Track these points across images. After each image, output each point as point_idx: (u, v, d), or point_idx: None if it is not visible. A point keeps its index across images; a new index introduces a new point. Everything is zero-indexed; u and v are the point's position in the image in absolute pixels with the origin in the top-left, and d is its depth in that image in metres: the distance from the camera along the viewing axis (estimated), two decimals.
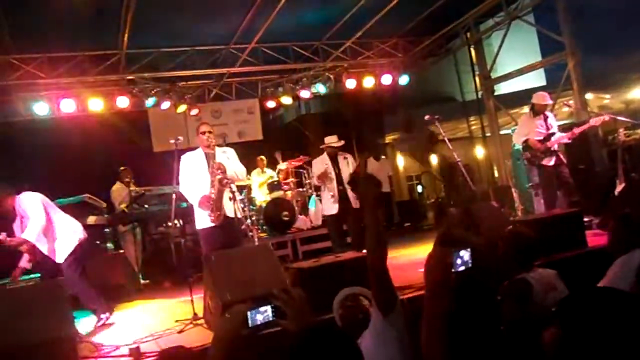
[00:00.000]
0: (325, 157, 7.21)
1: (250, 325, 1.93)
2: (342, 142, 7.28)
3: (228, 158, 5.75)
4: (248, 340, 1.83)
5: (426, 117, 7.10)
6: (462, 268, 2.63)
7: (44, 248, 5.37)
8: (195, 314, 5.06)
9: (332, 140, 7.20)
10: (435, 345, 2.26)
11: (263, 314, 1.96)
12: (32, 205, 5.36)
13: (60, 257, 5.40)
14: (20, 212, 5.36)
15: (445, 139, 7.02)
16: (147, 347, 4.38)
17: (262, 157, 10.01)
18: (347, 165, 7.14)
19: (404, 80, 10.98)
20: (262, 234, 8.62)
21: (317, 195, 9.16)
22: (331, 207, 7.06)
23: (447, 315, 2.31)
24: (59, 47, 8.41)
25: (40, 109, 9.24)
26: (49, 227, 5.40)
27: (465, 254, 2.65)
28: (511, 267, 3.24)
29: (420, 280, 5.04)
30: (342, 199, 6.98)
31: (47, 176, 8.55)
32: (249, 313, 1.93)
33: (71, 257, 5.43)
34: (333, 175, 7.01)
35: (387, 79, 10.79)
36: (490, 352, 2.35)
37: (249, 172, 9.30)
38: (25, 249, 5.34)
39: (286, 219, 8.62)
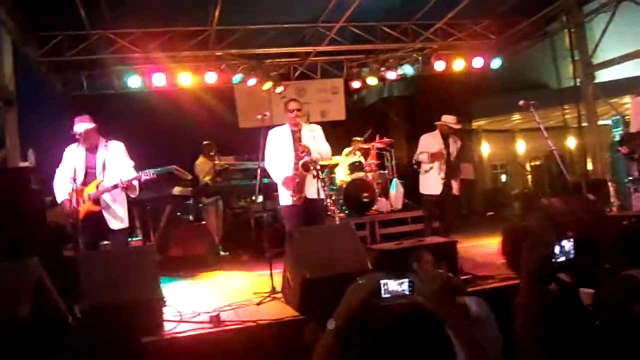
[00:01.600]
0: (437, 134, 6.98)
1: (383, 296, 1.87)
2: (460, 126, 7.08)
3: (314, 137, 5.71)
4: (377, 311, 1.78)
5: (520, 103, 6.71)
6: (562, 259, 2.47)
7: (118, 207, 5.37)
8: (273, 287, 5.11)
9: (450, 120, 6.97)
10: (530, 334, 2.16)
11: (398, 287, 1.89)
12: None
13: (123, 223, 5.43)
14: (113, 155, 5.37)
15: (541, 126, 6.64)
16: (226, 315, 4.47)
17: (357, 138, 9.90)
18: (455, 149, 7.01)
19: (496, 64, 10.50)
20: (340, 214, 8.57)
21: (401, 179, 9.05)
22: (436, 187, 6.88)
23: (543, 305, 2.20)
24: (153, 23, 8.65)
25: (134, 81, 9.64)
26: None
27: (567, 244, 2.48)
28: (616, 263, 3.02)
29: (503, 271, 4.82)
30: (446, 182, 6.86)
31: (138, 147, 8.88)
32: (382, 283, 1.86)
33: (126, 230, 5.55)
34: (445, 155, 6.86)
35: (478, 62, 10.35)
36: (586, 346, 2.22)
37: (339, 152, 9.27)
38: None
39: (366, 200, 8.53)
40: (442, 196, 6.85)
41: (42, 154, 8.94)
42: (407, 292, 1.88)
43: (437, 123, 7.03)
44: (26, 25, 8.01)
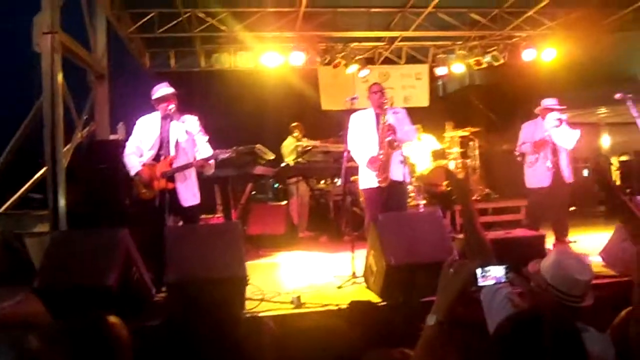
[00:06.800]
0: (540, 122, 6.36)
1: (478, 284, 1.85)
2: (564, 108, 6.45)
3: (398, 119, 5.67)
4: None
5: (617, 96, 6.16)
6: None
7: (191, 183, 5.20)
8: (354, 272, 5.07)
9: (552, 102, 6.40)
10: None
11: (494, 274, 1.87)
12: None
13: (196, 200, 5.24)
14: (188, 129, 5.11)
15: (638, 121, 6.14)
16: (307, 298, 4.43)
17: None
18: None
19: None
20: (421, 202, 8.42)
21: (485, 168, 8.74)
22: (544, 179, 6.26)
23: None
24: (243, 3, 8.67)
25: (221, 60, 9.80)
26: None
27: None
28: None
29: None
30: (556, 170, 6.24)
31: (221, 125, 8.95)
32: (478, 271, 1.85)
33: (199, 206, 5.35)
34: (551, 142, 6.23)
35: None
36: None
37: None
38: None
39: (448, 189, 8.33)
40: (554, 186, 6.23)
41: (130, 128, 9.29)
42: (503, 279, 1.88)
43: (538, 109, 6.46)
44: (120, 2, 8.24)
